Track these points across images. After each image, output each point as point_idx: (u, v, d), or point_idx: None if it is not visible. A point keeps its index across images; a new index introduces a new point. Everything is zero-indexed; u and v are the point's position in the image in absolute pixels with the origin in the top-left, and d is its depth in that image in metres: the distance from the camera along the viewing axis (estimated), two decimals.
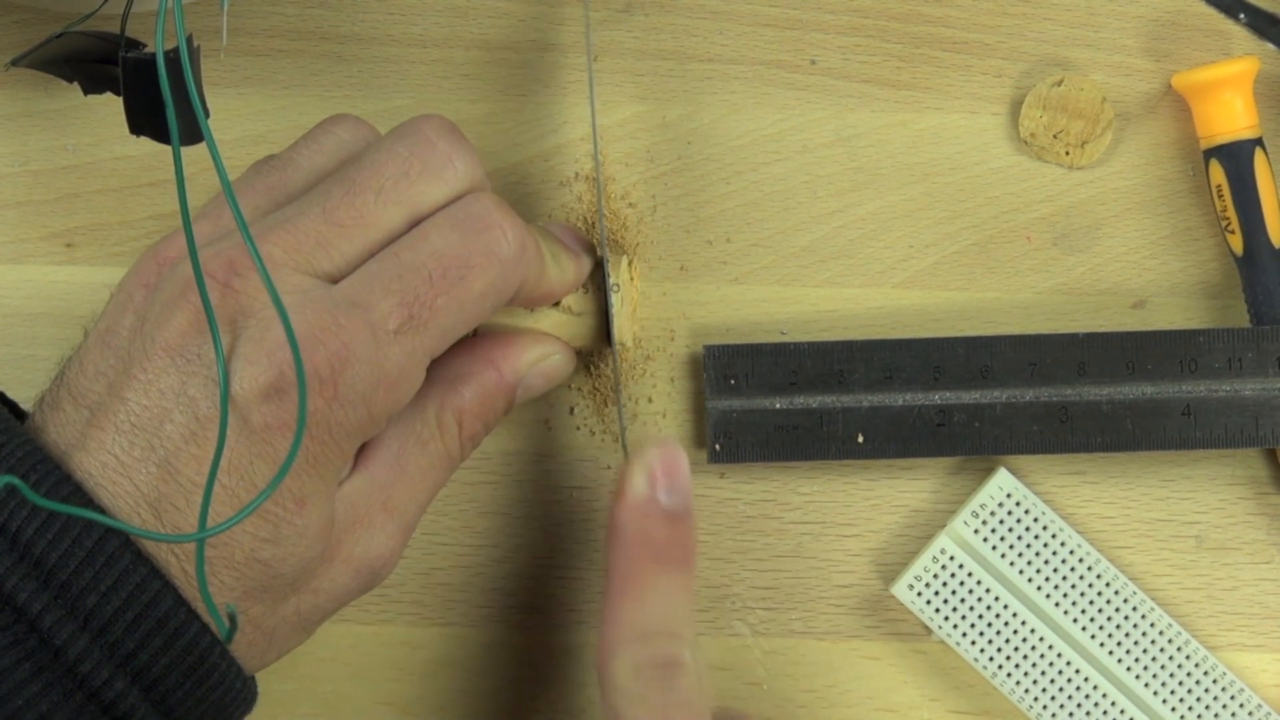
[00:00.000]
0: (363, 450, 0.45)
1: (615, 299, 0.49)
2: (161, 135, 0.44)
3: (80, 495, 0.40)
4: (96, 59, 0.47)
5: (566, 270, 0.48)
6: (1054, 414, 0.50)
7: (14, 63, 0.47)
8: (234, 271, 0.41)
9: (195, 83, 0.40)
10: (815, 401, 0.50)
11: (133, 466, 0.41)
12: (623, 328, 0.50)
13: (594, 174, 0.53)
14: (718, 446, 0.50)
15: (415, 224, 0.43)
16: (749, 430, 0.50)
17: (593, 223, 0.52)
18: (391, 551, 0.45)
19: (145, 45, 0.45)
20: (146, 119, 0.44)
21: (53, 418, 0.42)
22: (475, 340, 0.47)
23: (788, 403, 0.50)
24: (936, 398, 0.50)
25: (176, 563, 0.41)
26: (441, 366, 0.46)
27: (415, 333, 0.42)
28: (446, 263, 0.43)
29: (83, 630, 0.39)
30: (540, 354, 0.48)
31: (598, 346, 0.50)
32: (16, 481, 0.35)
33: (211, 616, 0.40)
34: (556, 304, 0.48)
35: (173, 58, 0.40)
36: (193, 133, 0.41)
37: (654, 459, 0.46)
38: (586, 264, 0.49)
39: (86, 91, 0.47)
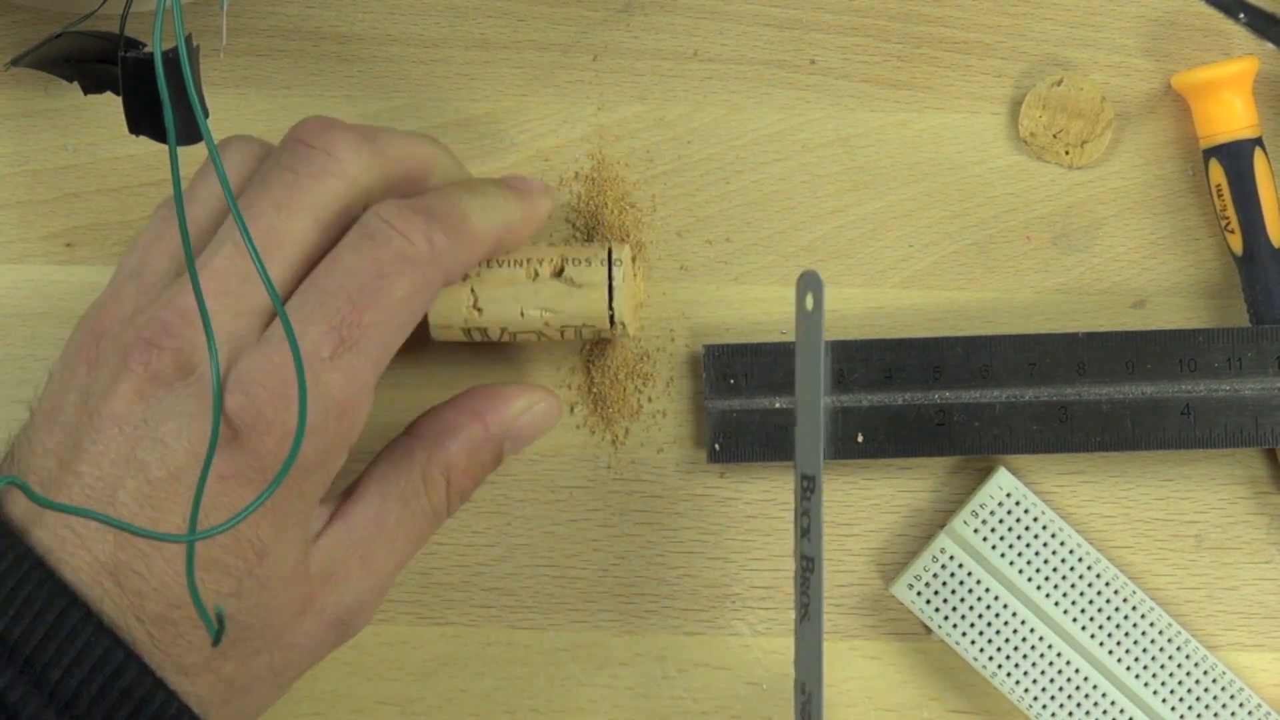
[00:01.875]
0: (342, 502, 0.45)
1: (617, 273, 0.49)
2: (160, 135, 0.44)
3: (42, 570, 0.40)
4: (96, 59, 0.47)
5: (506, 209, 0.48)
6: (1054, 413, 0.50)
7: (14, 63, 0.47)
8: (167, 332, 0.42)
9: (194, 82, 0.40)
10: None
11: (89, 537, 0.41)
12: (622, 307, 0.49)
13: (594, 173, 0.53)
14: (717, 446, 0.50)
15: (326, 230, 0.44)
16: (749, 430, 0.50)
17: (593, 225, 0.52)
18: (365, 605, 0.45)
19: (145, 45, 0.45)
20: (146, 119, 0.44)
21: (8, 496, 0.42)
22: (460, 395, 0.48)
23: (788, 402, 0.50)
24: (936, 397, 0.50)
25: (141, 627, 0.41)
26: (427, 422, 0.47)
27: (351, 354, 0.42)
28: (362, 279, 0.43)
29: (48, 705, 0.39)
30: (526, 404, 0.48)
31: (598, 330, 0.50)
32: (19, 482, 0.35)
33: (201, 619, 0.40)
34: (560, 273, 0.49)
35: (172, 58, 0.40)
36: (191, 132, 0.41)
37: None
38: (540, 202, 0.49)
39: (86, 91, 0.47)
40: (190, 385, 0.41)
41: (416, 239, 0.44)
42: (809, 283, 0.42)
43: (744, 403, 0.50)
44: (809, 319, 0.42)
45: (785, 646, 0.52)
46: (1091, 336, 0.50)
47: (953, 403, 0.50)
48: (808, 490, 0.42)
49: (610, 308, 0.49)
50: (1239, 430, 0.50)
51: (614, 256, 0.49)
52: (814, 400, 0.42)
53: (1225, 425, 0.50)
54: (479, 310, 0.49)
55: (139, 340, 0.42)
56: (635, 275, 0.51)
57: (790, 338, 0.52)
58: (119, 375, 0.42)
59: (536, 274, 0.49)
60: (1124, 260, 0.52)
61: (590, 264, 0.49)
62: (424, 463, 0.46)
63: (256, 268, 0.39)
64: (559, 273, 0.49)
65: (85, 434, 0.42)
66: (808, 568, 0.43)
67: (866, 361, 0.50)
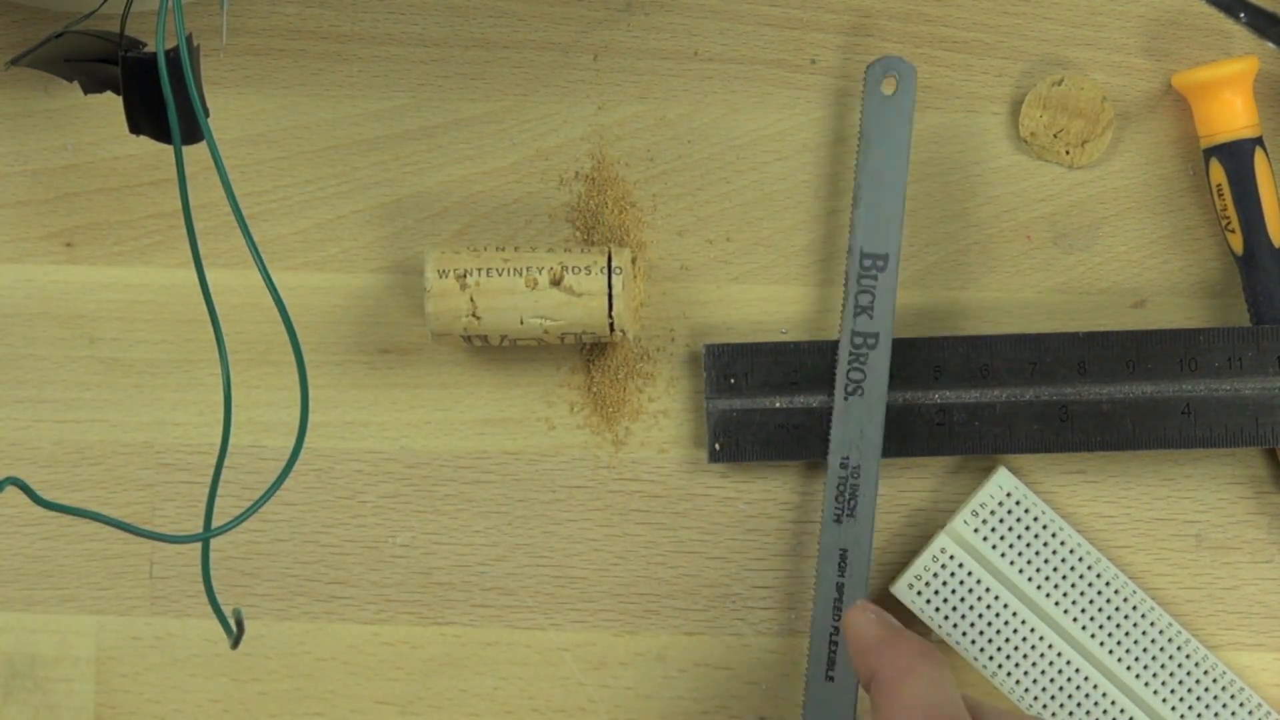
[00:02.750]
0: None
1: (617, 281, 0.49)
2: (160, 134, 0.44)
3: None
4: (96, 58, 0.47)
5: None
6: (1054, 413, 0.50)
7: (14, 62, 0.47)
8: None
9: (195, 82, 0.40)
10: (815, 401, 0.50)
11: None
12: (622, 314, 0.49)
13: (594, 173, 0.52)
14: (717, 446, 0.50)
15: None
16: (749, 430, 0.50)
17: (593, 225, 0.52)
18: None
19: (145, 45, 0.45)
20: (146, 118, 0.44)
21: None
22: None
23: (788, 402, 0.50)
24: (936, 397, 0.50)
25: None
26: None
27: None
28: None
29: None
30: None
31: (598, 336, 0.50)
32: (19, 482, 0.35)
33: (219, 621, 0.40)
34: (558, 283, 0.49)
35: (172, 57, 0.40)
36: (192, 132, 0.41)
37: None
38: None
39: (86, 91, 0.47)
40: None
41: None
42: (890, 68, 0.43)
43: (745, 402, 0.50)
44: (887, 104, 0.42)
45: (785, 646, 0.52)
46: (1092, 336, 0.50)
47: (953, 402, 0.50)
48: (871, 268, 0.44)
49: (610, 315, 0.49)
50: (1239, 430, 0.50)
51: (614, 264, 0.49)
52: (897, 185, 0.46)
53: (1225, 425, 0.50)
54: (478, 318, 0.49)
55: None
56: (635, 276, 0.51)
57: (791, 337, 0.52)
58: None
59: (535, 283, 0.49)
60: (1124, 260, 0.52)
61: (590, 272, 0.49)
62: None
63: (261, 274, 0.39)
64: (558, 281, 0.49)
65: None
66: (865, 344, 0.45)
67: None
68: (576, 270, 0.49)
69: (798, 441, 0.50)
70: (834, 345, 0.50)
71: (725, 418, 0.51)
